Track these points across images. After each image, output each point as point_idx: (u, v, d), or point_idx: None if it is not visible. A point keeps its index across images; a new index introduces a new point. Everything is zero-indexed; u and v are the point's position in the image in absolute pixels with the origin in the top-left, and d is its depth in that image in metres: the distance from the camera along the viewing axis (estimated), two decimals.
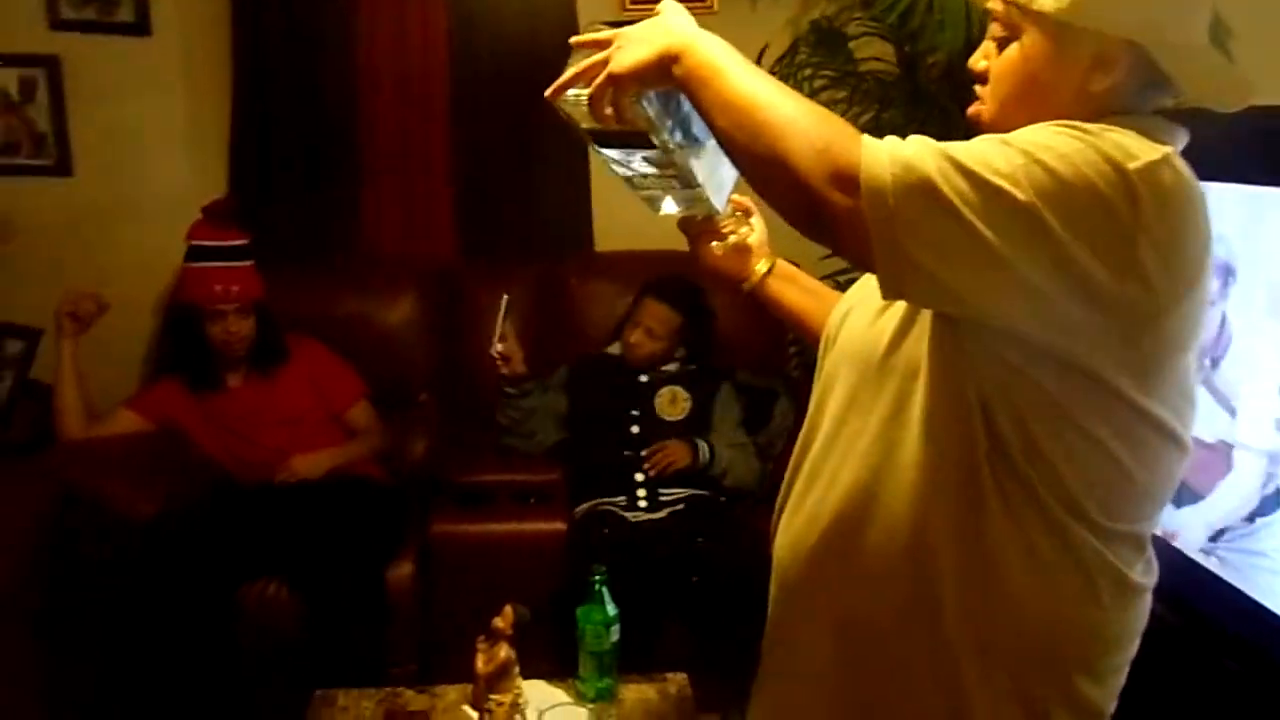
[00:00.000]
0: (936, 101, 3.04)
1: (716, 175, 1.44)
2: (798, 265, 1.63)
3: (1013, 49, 1.20)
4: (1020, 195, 1.04)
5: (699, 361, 3.22)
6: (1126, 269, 1.06)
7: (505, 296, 2.94)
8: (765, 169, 1.12)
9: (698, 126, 1.37)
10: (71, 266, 3.44)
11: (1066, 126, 1.10)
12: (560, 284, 3.53)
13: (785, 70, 3.14)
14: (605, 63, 1.24)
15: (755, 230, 1.60)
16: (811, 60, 3.20)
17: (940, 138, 1.10)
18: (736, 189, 1.48)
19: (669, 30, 1.22)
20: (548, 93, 1.31)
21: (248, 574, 2.76)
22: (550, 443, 3.18)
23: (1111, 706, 1.27)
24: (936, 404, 1.18)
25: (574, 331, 3.46)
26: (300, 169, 3.59)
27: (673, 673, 2.24)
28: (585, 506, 3.00)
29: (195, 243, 3.03)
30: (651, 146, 1.35)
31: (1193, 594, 1.84)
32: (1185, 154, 1.15)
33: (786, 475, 1.40)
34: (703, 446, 3.05)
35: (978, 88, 1.26)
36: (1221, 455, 1.83)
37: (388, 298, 3.54)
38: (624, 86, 1.24)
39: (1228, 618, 1.81)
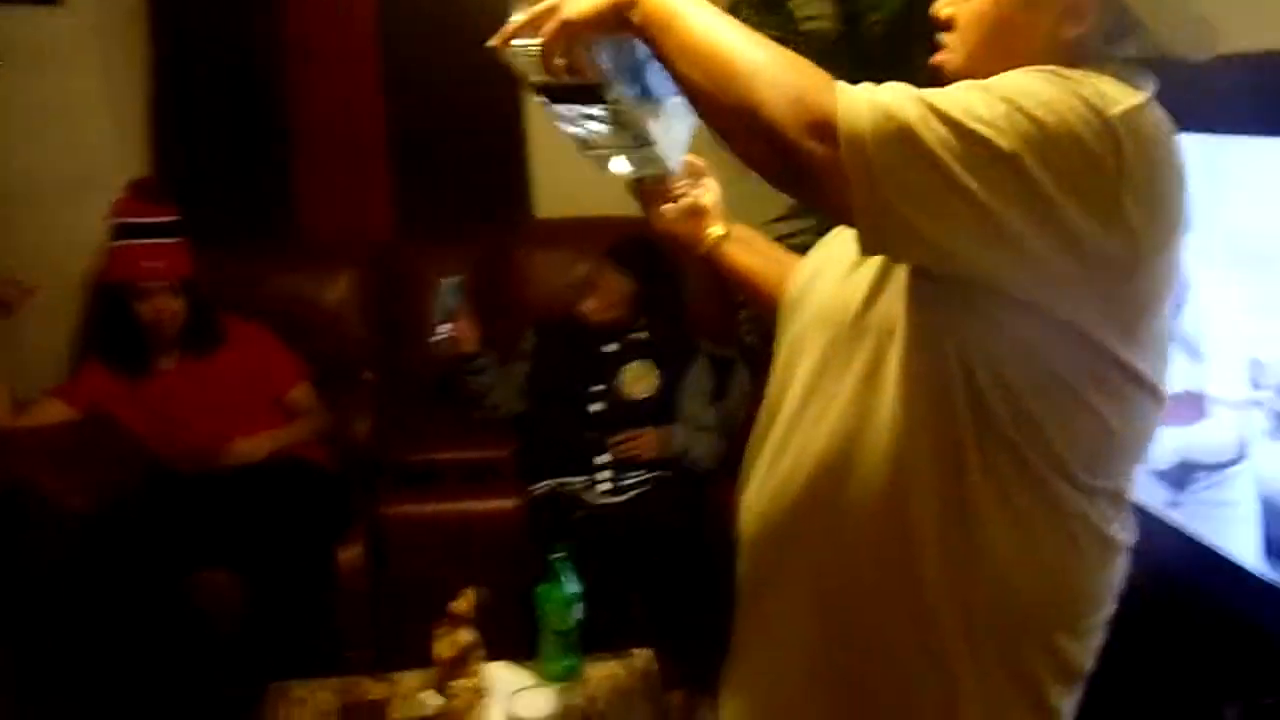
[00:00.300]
0: (879, 61, 3.00)
1: (671, 133, 1.38)
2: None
3: None
4: (1004, 142, 1.00)
5: (666, 331, 3.09)
6: (1110, 217, 1.03)
7: (455, 278, 2.87)
8: (735, 119, 1.06)
9: (653, 79, 1.31)
10: None
11: (1047, 72, 1.06)
12: (504, 255, 3.46)
13: None
14: (556, 9, 1.17)
15: (709, 191, 1.54)
16: (752, 20, 3.12)
17: None
18: (690, 148, 1.42)
19: None
20: (492, 41, 1.24)
21: (192, 564, 2.67)
22: (516, 411, 3.09)
23: (1090, 664, 1.25)
24: (914, 363, 1.14)
25: (522, 302, 3.39)
26: (227, 144, 3.46)
27: (638, 648, 2.20)
28: (543, 486, 2.94)
29: (121, 220, 2.91)
30: (603, 101, 1.28)
31: (1160, 548, 1.82)
32: None
33: (751, 445, 1.35)
34: (676, 436, 2.97)
35: (943, 35, 1.22)
36: (1191, 404, 1.81)
37: (325, 277, 3.46)
38: (577, 34, 1.17)
39: (1199, 571, 1.80)
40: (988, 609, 1.16)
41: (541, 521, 2.80)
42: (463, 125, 3.51)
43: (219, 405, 2.95)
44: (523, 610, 2.23)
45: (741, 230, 1.55)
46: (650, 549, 2.70)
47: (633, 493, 2.91)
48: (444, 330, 2.89)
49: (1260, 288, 1.70)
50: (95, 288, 3.20)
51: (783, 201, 3.21)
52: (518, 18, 1.23)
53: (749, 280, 1.52)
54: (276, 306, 3.26)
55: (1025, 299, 1.08)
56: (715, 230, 1.52)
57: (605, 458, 2.94)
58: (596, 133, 1.37)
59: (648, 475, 2.93)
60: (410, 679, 2.11)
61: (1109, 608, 1.24)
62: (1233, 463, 1.76)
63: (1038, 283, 1.06)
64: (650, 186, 1.51)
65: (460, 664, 1.93)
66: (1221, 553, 1.77)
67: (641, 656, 2.18)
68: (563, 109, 1.34)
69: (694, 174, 1.52)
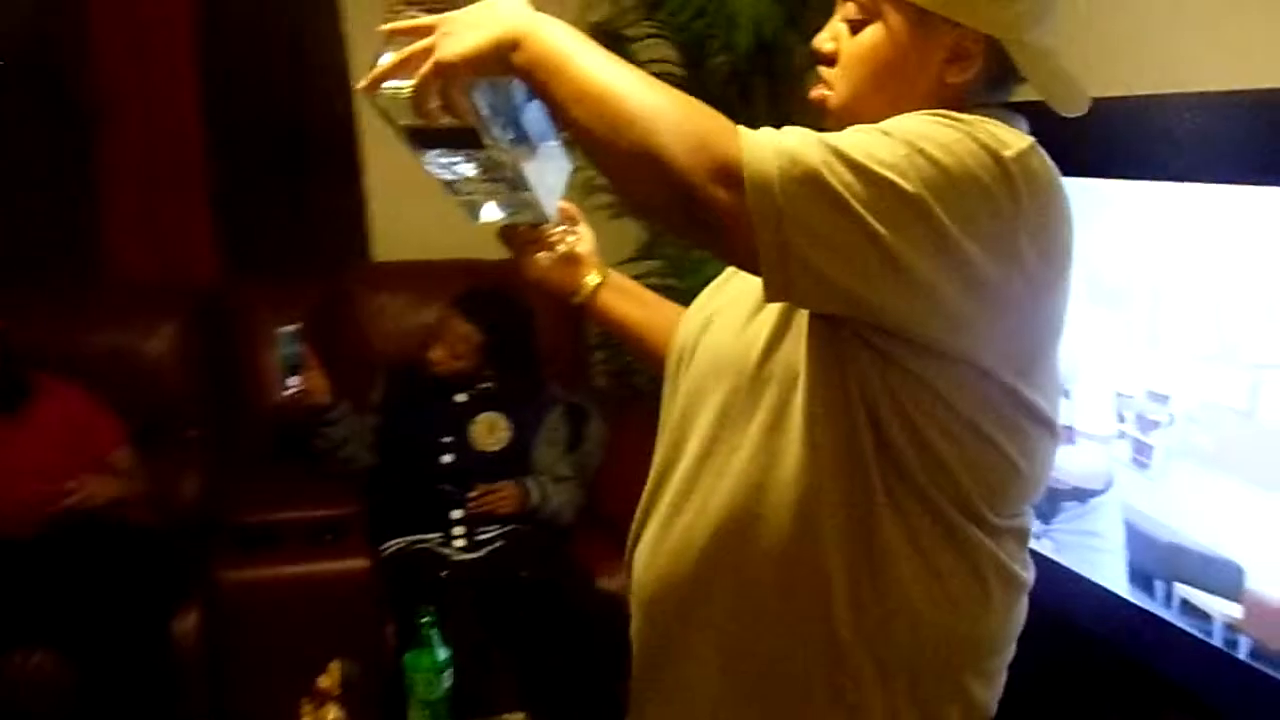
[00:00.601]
0: (725, 104, 3.01)
1: (546, 178, 1.32)
2: None
3: (872, 32, 1.15)
4: (908, 186, 0.99)
5: (516, 381, 2.99)
6: (1009, 259, 1.04)
7: (291, 327, 2.72)
8: (633, 166, 1.02)
9: (529, 121, 1.25)
10: None
11: (941, 116, 1.06)
12: (343, 300, 3.29)
13: None
14: (430, 49, 1.10)
15: (583, 239, 1.48)
16: None
17: None
18: (565, 194, 1.37)
19: (503, 14, 1.09)
20: (360, 85, 1.16)
21: (7, 644, 2.44)
22: (368, 464, 2.96)
23: (994, 708, 1.24)
24: (819, 409, 1.11)
25: (364, 349, 3.23)
26: (23, 178, 3.18)
27: (510, 713, 2.10)
28: (396, 544, 2.81)
29: None
30: (477, 146, 1.22)
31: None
32: None
33: (643, 502, 1.29)
34: (534, 490, 2.88)
35: (823, 70, 1.21)
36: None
37: (144, 326, 3.22)
38: (455, 77, 1.10)
39: (1069, 600, 1.83)
40: (900, 652, 1.15)
41: (395, 582, 2.67)
42: (295, 159, 3.33)
43: (30, 469, 2.72)
44: (379, 678, 2.11)
45: (617, 278, 1.50)
46: (513, 605, 2.61)
47: (488, 548, 2.81)
48: (294, 384, 2.73)
49: (1119, 323, 1.76)
50: None
51: (632, 242, 3.19)
52: (387, 58, 1.15)
53: (629, 330, 1.47)
54: (89, 361, 3.02)
55: (927, 340, 1.07)
56: (592, 278, 1.46)
57: (459, 513, 2.82)
58: (468, 178, 1.31)
59: (502, 529, 2.84)
60: None
61: (1012, 648, 1.24)
62: (1099, 493, 1.80)
63: (940, 325, 1.06)
64: (523, 234, 1.44)
65: None
66: (1091, 581, 1.81)
67: None
68: (433, 154, 1.27)
69: (568, 220, 1.47)
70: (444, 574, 2.67)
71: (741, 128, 1.02)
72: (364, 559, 2.74)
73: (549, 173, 1.32)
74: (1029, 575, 1.22)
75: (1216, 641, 1.63)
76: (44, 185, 3.21)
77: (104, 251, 3.31)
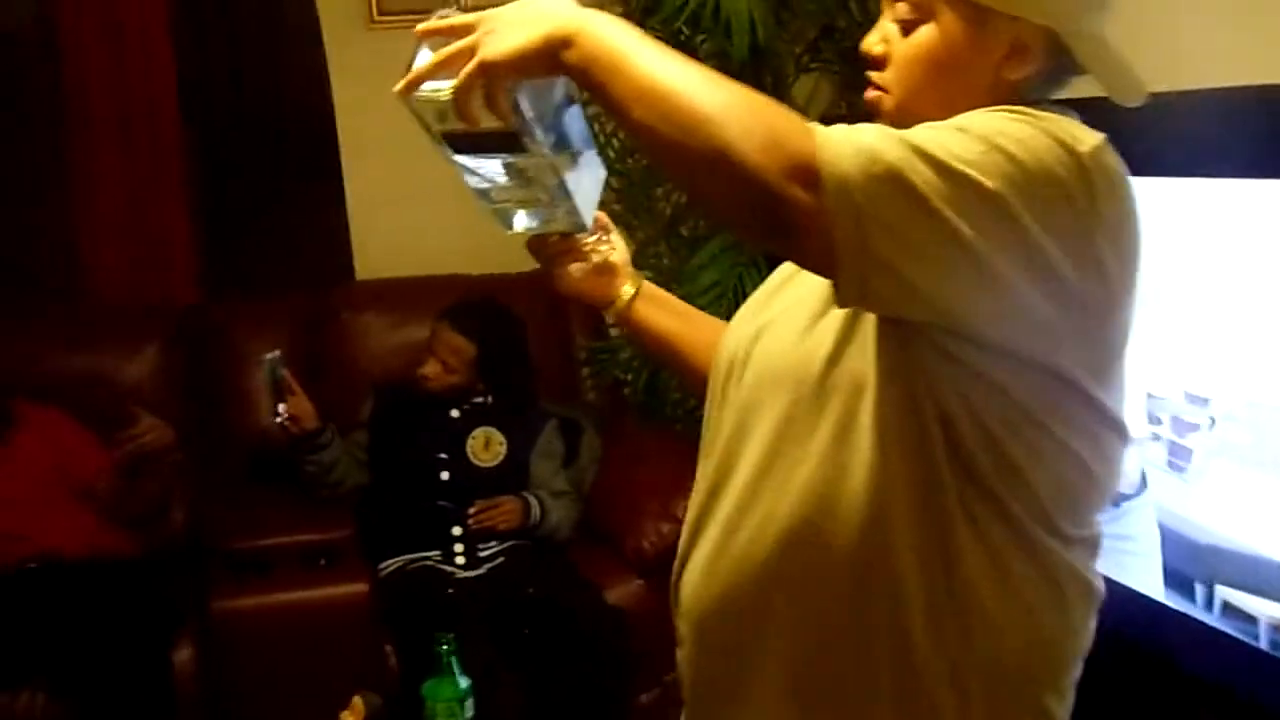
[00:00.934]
0: None
1: (584, 186, 1.27)
2: None
3: (926, 32, 1.12)
4: (989, 183, 0.96)
5: (510, 395, 2.93)
6: (1085, 257, 1.02)
7: (274, 353, 2.66)
8: (703, 168, 0.97)
9: (569, 126, 1.20)
10: None
11: (1014, 111, 1.03)
12: (329, 319, 3.22)
13: None
14: (474, 48, 1.05)
15: (617, 248, 1.43)
16: None
17: None
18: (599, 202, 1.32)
19: (550, 10, 1.04)
20: (397, 88, 1.10)
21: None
22: (359, 485, 2.89)
23: None
24: (889, 420, 1.07)
25: (350, 367, 3.16)
26: None
27: None
28: (394, 564, 2.74)
29: None
30: (517, 151, 1.17)
31: None
32: None
33: (690, 521, 1.24)
34: (534, 505, 2.82)
35: (874, 74, 1.17)
36: None
37: (125, 348, 3.13)
38: (500, 78, 1.05)
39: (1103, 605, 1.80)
40: (979, 674, 1.11)
41: (395, 602, 2.60)
42: (277, 175, 3.24)
43: (16, 500, 2.62)
44: (387, 703, 2.03)
45: (651, 289, 1.44)
46: (518, 622, 2.55)
47: (489, 565, 2.76)
48: (283, 410, 2.66)
49: (1150, 323, 1.73)
50: None
51: None
52: (425, 57, 1.10)
53: (666, 341, 1.42)
54: (69, 386, 2.93)
55: (1003, 344, 1.03)
56: (627, 289, 1.41)
57: (458, 530, 2.76)
58: (502, 185, 1.26)
59: (502, 545, 2.79)
60: None
61: (1081, 665, 1.20)
62: (1130, 497, 1.77)
63: (1018, 328, 1.02)
64: (554, 244, 1.39)
65: None
66: (1124, 585, 1.78)
67: None
68: (467, 160, 1.22)
69: (601, 228, 1.41)
70: (450, 592, 2.60)
71: (816, 125, 0.98)
72: (362, 582, 2.68)
73: (585, 179, 1.28)
74: (1101, 586, 1.19)
75: (1262, 644, 1.60)
76: (19, 202, 3.13)
77: (82, 270, 3.22)
